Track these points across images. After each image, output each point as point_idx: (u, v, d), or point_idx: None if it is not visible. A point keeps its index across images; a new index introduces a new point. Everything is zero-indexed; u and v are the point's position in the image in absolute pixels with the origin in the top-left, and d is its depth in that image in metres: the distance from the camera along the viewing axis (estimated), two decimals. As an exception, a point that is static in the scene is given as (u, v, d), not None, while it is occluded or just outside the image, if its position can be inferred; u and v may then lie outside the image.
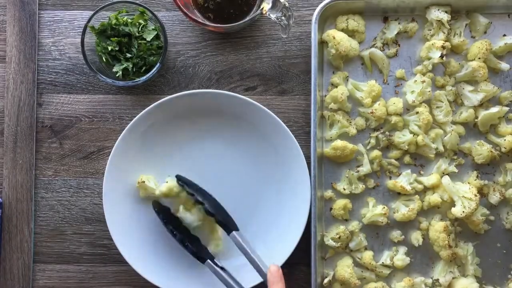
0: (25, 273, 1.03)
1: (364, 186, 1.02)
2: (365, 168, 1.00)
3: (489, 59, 1.01)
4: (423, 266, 1.01)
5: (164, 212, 0.98)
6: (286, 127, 0.97)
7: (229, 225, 0.93)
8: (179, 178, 0.99)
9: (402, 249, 1.01)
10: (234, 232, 0.92)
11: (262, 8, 0.92)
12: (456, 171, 1.00)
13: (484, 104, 1.01)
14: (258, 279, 0.92)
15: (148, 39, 1.01)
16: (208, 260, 0.93)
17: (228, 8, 0.99)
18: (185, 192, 0.97)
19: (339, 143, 0.99)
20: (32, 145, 1.04)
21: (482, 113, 0.99)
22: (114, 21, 0.99)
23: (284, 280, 0.87)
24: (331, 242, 1.00)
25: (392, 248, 1.01)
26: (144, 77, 0.99)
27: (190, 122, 1.02)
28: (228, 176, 1.02)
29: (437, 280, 0.99)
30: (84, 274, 1.04)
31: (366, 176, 1.01)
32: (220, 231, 1.00)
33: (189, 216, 0.97)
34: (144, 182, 0.99)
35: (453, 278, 0.99)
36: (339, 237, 0.99)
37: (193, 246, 0.94)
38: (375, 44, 1.03)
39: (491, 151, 0.99)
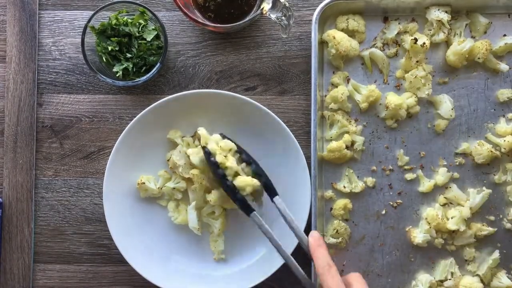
0: (25, 273, 1.03)
1: (364, 184, 1.02)
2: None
3: (489, 60, 1.01)
4: (424, 266, 1.01)
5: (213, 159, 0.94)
6: (286, 127, 0.97)
7: (273, 189, 0.92)
8: (224, 135, 0.97)
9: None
10: (277, 197, 0.91)
11: (262, 8, 0.92)
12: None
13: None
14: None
15: (148, 39, 1.01)
16: (255, 212, 0.91)
17: (228, 8, 0.99)
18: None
19: (334, 144, 0.99)
20: (32, 145, 1.04)
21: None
22: (114, 21, 0.99)
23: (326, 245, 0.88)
24: (331, 240, 1.00)
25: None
26: (144, 77, 0.99)
27: (190, 122, 1.02)
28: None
29: (441, 281, 0.99)
30: (84, 274, 1.04)
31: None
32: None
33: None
34: (144, 183, 0.99)
35: (454, 278, 0.99)
36: (337, 232, 0.99)
37: (241, 196, 0.91)
38: (375, 44, 1.03)
39: (491, 151, 0.99)
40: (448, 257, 1.00)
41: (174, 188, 1.01)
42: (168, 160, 1.01)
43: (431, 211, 0.99)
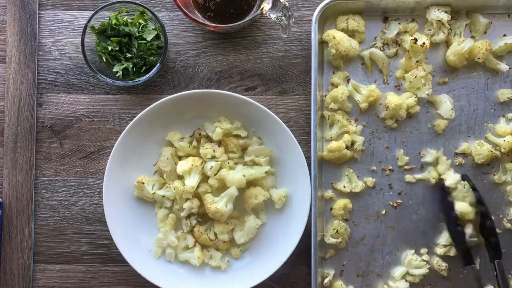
0: (25, 273, 1.03)
1: (364, 184, 1.02)
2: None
3: (489, 60, 1.01)
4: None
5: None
6: (286, 127, 0.97)
7: (499, 251, 0.92)
8: (468, 178, 0.97)
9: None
10: (499, 260, 0.92)
11: (262, 8, 0.92)
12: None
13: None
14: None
15: (148, 39, 1.01)
16: (474, 265, 0.92)
17: (228, 8, 0.99)
18: None
19: (334, 144, 0.99)
20: (32, 145, 1.04)
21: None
22: (114, 21, 0.99)
23: None
24: (331, 240, 1.00)
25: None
26: (144, 77, 0.99)
27: (190, 122, 1.02)
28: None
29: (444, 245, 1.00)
30: (84, 274, 1.04)
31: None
32: None
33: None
34: (143, 183, 0.99)
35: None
36: (337, 232, 0.99)
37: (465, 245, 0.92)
38: (375, 44, 1.03)
39: (491, 151, 0.99)
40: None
41: (163, 196, 1.01)
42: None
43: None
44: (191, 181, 0.97)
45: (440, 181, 0.97)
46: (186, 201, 0.99)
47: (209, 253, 1.00)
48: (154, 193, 1.00)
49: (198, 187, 0.99)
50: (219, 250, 1.01)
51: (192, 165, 0.97)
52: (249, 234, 0.99)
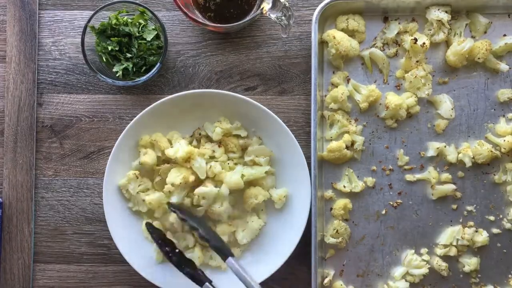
0: (25, 273, 1.03)
1: (364, 184, 1.02)
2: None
3: (489, 60, 1.01)
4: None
5: (157, 233, 0.96)
6: (286, 127, 0.97)
7: (224, 251, 0.92)
8: (171, 205, 0.97)
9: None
10: (230, 258, 0.91)
11: (262, 8, 0.92)
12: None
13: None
14: None
15: (148, 39, 1.00)
16: (207, 284, 0.92)
17: (228, 8, 0.99)
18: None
19: (334, 144, 0.99)
20: (32, 145, 1.04)
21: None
22: (114, 21, 0.99)
23: None
24: (331, 240, 1.00)
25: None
26: (144, 77, 0.99)
27: (190, 122, 1.02)
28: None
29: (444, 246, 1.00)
30: (84, 274, 1.04)
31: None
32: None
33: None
34: (129, 183, 0.99)
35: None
36: (337, 232, 0.99)
37: (190, 269, 0.93)
38: (375, 44, 1.03)
39: (491, 151, 0.99)
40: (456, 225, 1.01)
41: (144, 201, 0.99)
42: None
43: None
44: (176, 198, 0.96)
45: (148, 228, 0.97)
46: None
47: (209, 253, 1.00)
48: (134, 194, 0.99)
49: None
50: None
51: (180, 183, 0.95)
52: (251, 235, 0.99)
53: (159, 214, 0.99)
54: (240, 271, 0.90)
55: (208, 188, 0.96)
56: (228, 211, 0.98)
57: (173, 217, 0.99)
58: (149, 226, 0.97)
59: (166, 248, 0.94)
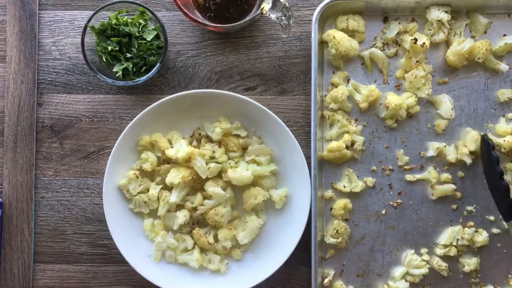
0: (25, 273, 1.03)
1: (364, 184, 1.02)
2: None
3: (489, 60, 1.01)
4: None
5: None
6: (286, 127, 0.97)
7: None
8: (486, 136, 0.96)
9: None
10: None
11: (262, 8, 0.92)
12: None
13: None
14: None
15: (148, 39, 1.00)
16: None
17: (228, 8, 0.99)
18: None
19: (334, 144, 0.99)
20: (32, 145, 1.04)
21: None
22: (114, 21, 0.99)
23: None
24: (331, 240, 1.00)
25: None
26: (144, 77, 0.99)
27: (190, 122, 1.02)
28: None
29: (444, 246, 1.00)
30: (84, 274, 1.04)
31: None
32: None
33: None
34: (129, 183, 0.99)
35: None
36: (337, 232, 0.99)
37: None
38: (375, 44, 1.03)
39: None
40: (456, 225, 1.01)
41: (145, 202, 1.00)
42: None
43: None
44: (176, 197, 0.96)
45: (484, 135, 0.96)
46: (177, 212, 0.99)
47: (207, 257, 1.00)
48: (135, 195, 0.99)
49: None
50: (217, 254, 1.01)
51: (179, 182, 0.96)
52: (252, 234, 0.99)
53: (163, 211, 0.99)
54: None
55: (217, 189, 0.96)
56: (229, 214, 0.98)
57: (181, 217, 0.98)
58: (486, 137, 0.94)
59: (499, 168, 0.91)
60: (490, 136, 1.00)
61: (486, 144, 0.95)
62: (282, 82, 1.04)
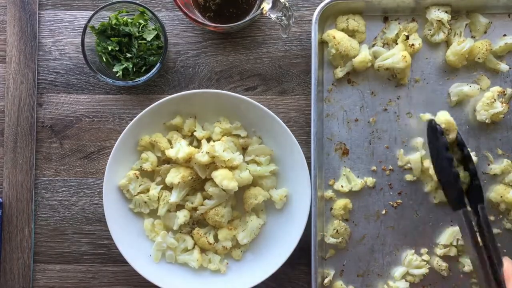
0: (25, 273, 1.03)
1: (363, 182, 1.02)
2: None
3: (489, 60, 1.01)
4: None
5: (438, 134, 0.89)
6: (286, 127, 0.97)
7: (482, 196, 0.89)
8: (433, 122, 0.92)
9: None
10: (482, 205, 0.88)
11: (262, 8, 0.92)
12: None
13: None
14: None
15: (148, 39, 1.01)
16: (466, 209, 0.87)
17: (228, 8, 0.99)
18: None
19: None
20: (32, 145, 1.04)
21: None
22: (114, 21, 0.99)
23: None
24: (331, 240, 1.00)
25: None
26: (144, 77, 0.99)
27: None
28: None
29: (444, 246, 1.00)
30: (84, 274, 1.04)
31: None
32: None
33: None
34: (129, 183, 0.99)
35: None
36: (337, 232, 0.99)
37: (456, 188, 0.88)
38: (375, 44, 1.03)
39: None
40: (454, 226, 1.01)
41: (145, 202, 1.00)
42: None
43: None
44: (176, 197, 0.96)
45: (430, 121, 0.92)
46: (177, 212, 0.99)
47: (207, 257, 1.00)
48: (135, 195, 0.99)
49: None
50: (217, 254, 1.01)
51: (179, 182, 0.96)
52: (252, 234, 0.99)
53: (163, 212, 0.99)
54: (488, 221, 0.86)
55: (218, 189, 0.96)
56: (229, 214, 0.99)
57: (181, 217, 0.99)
58: (434, 123, 0.91)
59: (449, 155, 0.88)
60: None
61: (433, 130, 0.91)
62: (282, 82, 1.04)
